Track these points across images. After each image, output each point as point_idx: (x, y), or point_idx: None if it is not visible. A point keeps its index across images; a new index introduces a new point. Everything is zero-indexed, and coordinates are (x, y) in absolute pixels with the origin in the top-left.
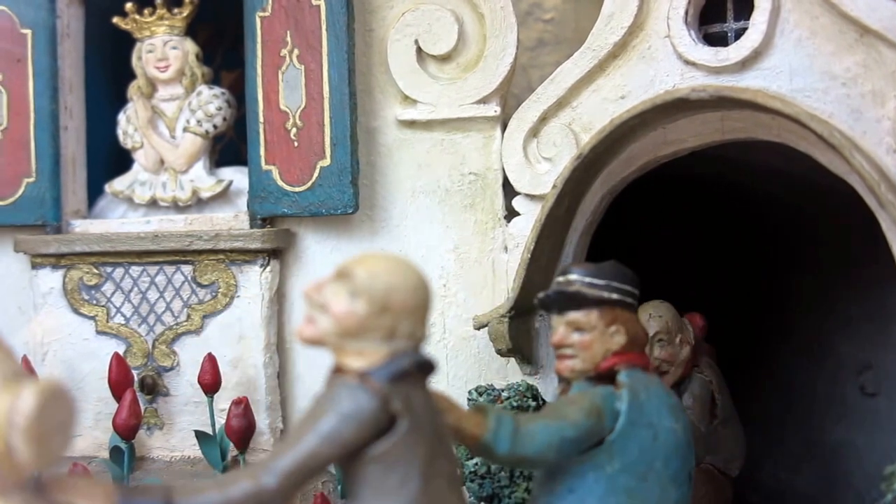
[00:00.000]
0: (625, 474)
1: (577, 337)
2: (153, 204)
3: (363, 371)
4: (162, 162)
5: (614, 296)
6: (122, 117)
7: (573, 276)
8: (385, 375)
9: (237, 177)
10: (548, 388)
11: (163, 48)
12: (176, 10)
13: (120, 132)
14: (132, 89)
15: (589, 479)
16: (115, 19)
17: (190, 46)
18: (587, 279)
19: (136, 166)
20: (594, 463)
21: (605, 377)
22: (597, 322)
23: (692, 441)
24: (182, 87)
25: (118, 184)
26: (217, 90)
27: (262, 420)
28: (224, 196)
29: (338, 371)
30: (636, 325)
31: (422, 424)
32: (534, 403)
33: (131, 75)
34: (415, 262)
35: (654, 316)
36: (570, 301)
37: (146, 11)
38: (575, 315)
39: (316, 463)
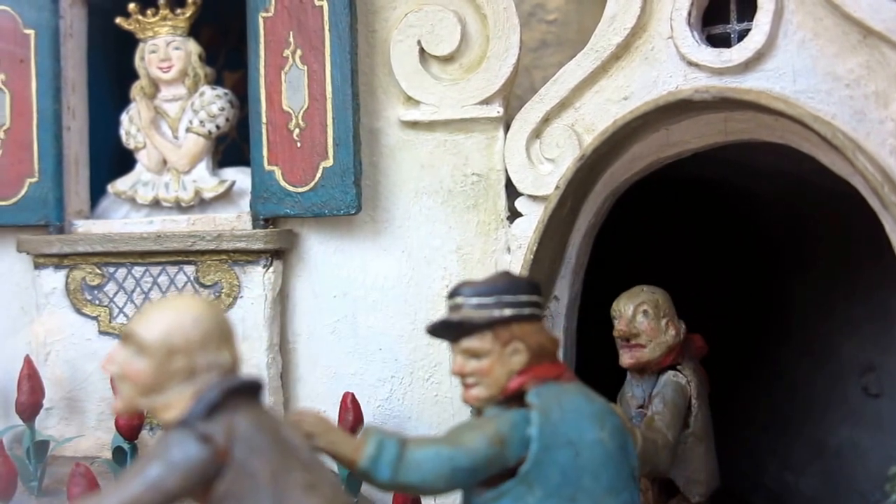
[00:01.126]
0: (550, 500)
1: (475, 364)
2: (156, 204)
3: (179, 420)
4: (165, 162)
5: (506, 312)
6: (124, 118)
7: (459, 299)
8: (198, 415)
9: (240, 177)
10: None
11: (165, 49)
12: (179, 11)
13: (122, 132)
14: (135, 90)
15: None
16: (118, 20)
17: (193, 47)
18: (473, 300)
19: (138, 167)
20: (513, 496)
21: (515, 398)
22: (492, 345)
23: (627, 441)
24: (185, 87)
25: (121, 184)
26: (220, 90)
27: None
28: (227, 196)
29: (164, 429)
30: (539, 335)
31: (255, 447)
32: None
33: (134, 76)
34: (194, 298)
35: (647, 290)
36: (460, 328)
37: (149, 12)
38: (468, 342)
39: None
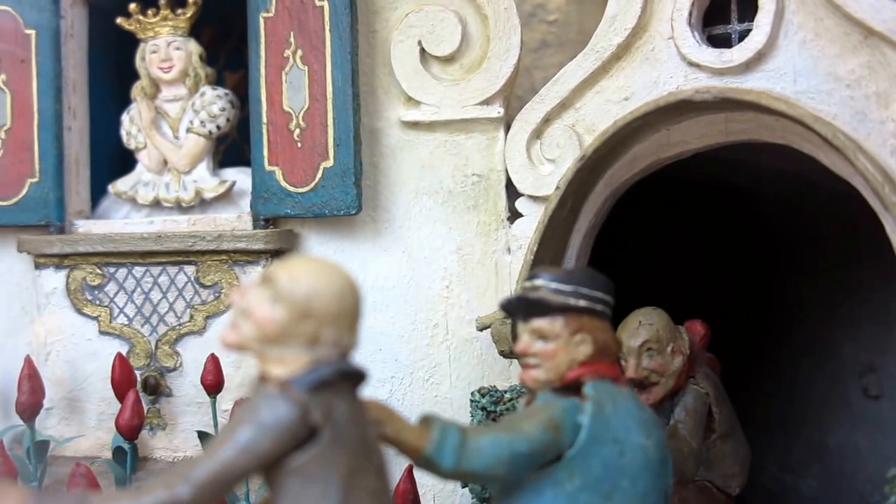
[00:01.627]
0: (586, 492)
1: (541, 345)
2: (156, 204)
3: (284, 380)
4: (165, 162)
5: (581, 302)
6: (125, 118)
7: (539, 282)
8: (305, 384)
9: (240, 178)
10: None
11: (166, 49)
12: (179, 11)
13: (123, 133)
14: (135, 90)
15: (547, 497)
16: (119, 20)
17: (193, 47)
18: (553, 285)
19: (139, 167)
20: (553, 480)
21: (572, 388)
22: (561, 330)
23: (667, 458)
24: (185, 87)
25: (121, 184)
26: (220, 91)
27: None
28: (227, 197)
29: (262, 379)
30: (606, 333)
31: (344, 437)
32: None
33: (135, 76)
34: (344, 269)
35: (644, 324)
36: (534, 307)
37: (150, 12)
38: (539, 322)
39: (232, 474)
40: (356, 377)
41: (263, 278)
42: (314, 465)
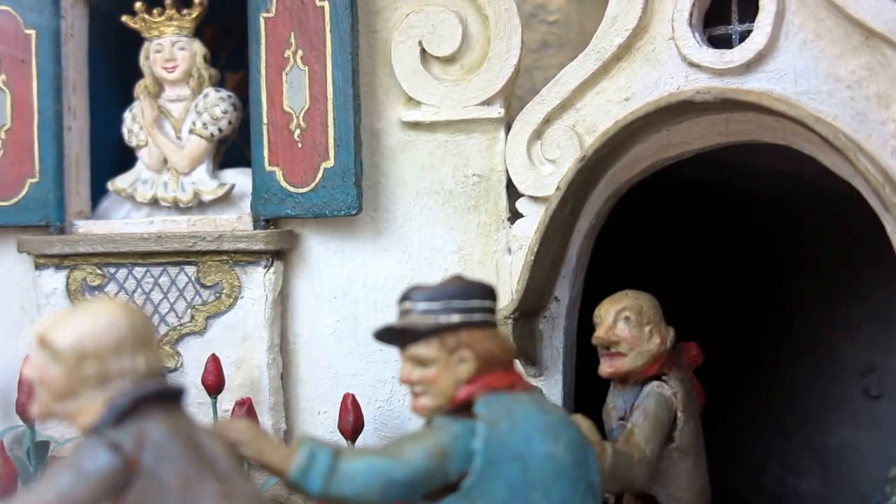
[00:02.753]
0: None
1: (421, 372)
2: (154, 203)
3: (91, 426)
4: (165, 161)
5: (454, 318)
6: (127, 115)
7: (408, 304)
8: (106, 423)
9: (240, 178)
10: (552, 389)
11: (171, 49)
12: (185, 11)
13: (125, 130)
14: (139, 88)
15: None
16: (124, 18)
17: (198, 48)
18: (421, 305)
19: (139, 164)
20: None
21: (464, 408)
22: (438, 353)
23: (585, 456)
24: (189, 88)
25: (121, 181)
26: (224, 93)
27: (265, 421)
28: (227, 197)
29: (81, 432)
30: (490, 342)
31: (167, 456)
32: None
33: (135, 76)
34: (110, 300)
35: (631, 295)
36: (405, 334)
37: (155, 11)
38: (414, 349)
39: None
40: (164, 396)
41: (39, 342)
42: (146, 494)
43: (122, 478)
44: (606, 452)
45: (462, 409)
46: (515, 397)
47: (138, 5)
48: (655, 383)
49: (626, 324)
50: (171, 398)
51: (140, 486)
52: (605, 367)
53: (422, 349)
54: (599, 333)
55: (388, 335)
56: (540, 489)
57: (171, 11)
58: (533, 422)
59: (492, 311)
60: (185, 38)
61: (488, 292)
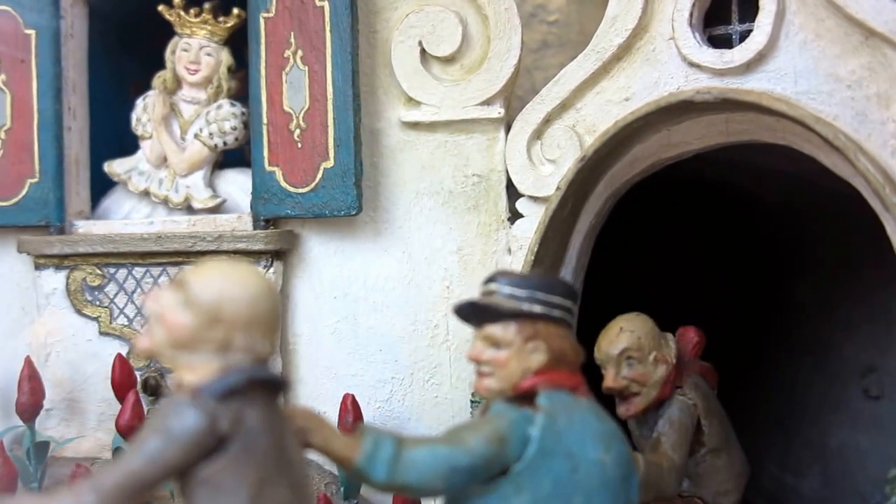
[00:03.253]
0: None
1: (493, 353)
2: (146, 195)
3: (194, 387)
4: (165, 159)
5: (536, 308)
6: (139, 102)
7: (493, 286)
8: (214, 392)
9: (240, 178)
10: None
11: (198, 51)
12: (221, 18)
13: (134, 117)
14: (157, 80)
15: None
16: (161, 7)
17: (225, 57)
18: (507, 289)
19: (139, 154)
20: (499, 495)
21: (526, 398)
22: (514, 337)
23: (631, 475)
24: (206, 94)
25: (118, 166)
26: (237, 109)
27: None
28: (218, 209)
29: (177, 386)
30: (563, 341)
31: (255, 446)
32: None
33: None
34: (260, 274)
35: (626, 330)
36: (485, 313)
37: (192, 11)
38: (491, 329)
39: (139, 483)
40: (271, 385)
41: (176, 283)
42: (222, 476)
43: (211, 443)
44: (638, 463)
45: (523, 398)
46: (576, 399)
47: (177, 0)
48: (677, 390)
49: (630, 367)
50: (274, 389)
51: (221, 465)
52: (623, 411)
53: (499, 330)
54: (609, 384)
55: (469, 311)
56: (583, 493)
57: (207, 15)
58: (590, 426)
59: (571, 311)
60: (215, 44)
61: (571, 293)
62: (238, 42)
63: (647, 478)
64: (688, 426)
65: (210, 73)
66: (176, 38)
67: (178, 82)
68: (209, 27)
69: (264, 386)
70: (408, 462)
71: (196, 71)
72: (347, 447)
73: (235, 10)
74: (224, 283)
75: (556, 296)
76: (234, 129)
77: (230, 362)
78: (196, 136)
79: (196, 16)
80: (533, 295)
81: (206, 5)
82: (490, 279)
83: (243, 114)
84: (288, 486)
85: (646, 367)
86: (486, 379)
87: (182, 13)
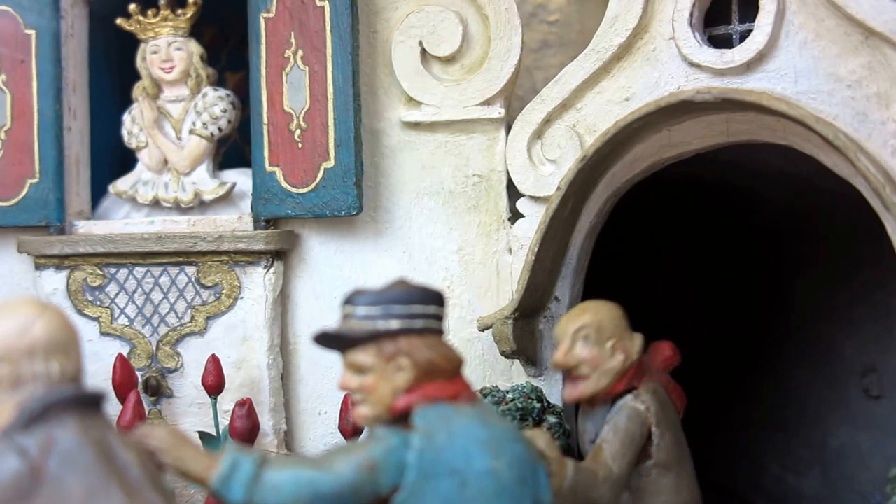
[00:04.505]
0: None
1: (359, 380)
2: (156, 204)
3: (4, 429)
4: (165, 162)
5: (392, 324)
6: (126, 117)
7: (348, 308)
8: (16, 426)
9: (241, 178)
10: (552, 389)
11: (167, 49)
12: (180, 12)
13: (125, 132)
14: (137, 90)
15: None
16: (119, 20)
17: (194, 48)
18: (361, 310)
19: (139, 166)
20: None
21: (405, 419)
22: (374, 360)
23: (532, 475)
24: (187, 88)
25: (122, 184)
26: (222, 92)
27: (265, 421)
28: (227, 198)
29: None
30: (432, 350)
31: (74, 464)
32: (538, 405)
33: (135, 76)
34: (30, 303)
35: (589, 310)
36: (342, 341)
37: (150, 12)
38: (353, 355)
39: None
40: (79, 401)
41: None
42: (49, 502)
43: (28, 484)
44: (566, 469)
45: (403, 419)
46: (457, 409)
47: (132, 7)
48: (628, 397)
49: (586, 343)
50: (87, 404)
51: (45, 493)
52: (568, 392)
53: (359, 356)
54: (557, 357)
55: (327, 340)
56: None
57: (165, 12)
58: (474, 435)
59: (437, 317)
60: (181, 38)
61: (433, 298)
62: (238, 43)
63: (575, 485)
64: (634, 436)
65: (185, 67)
66: (142, 46)
67: (157, 87)
68: (171, 23)
69: (70, 405)
70: (267, 484)
71: (171, 68)
72: (204, 468)
73: (191, 0)
74: None
75: (416, 304)
76: (225, 111)
77: (24, 395)
78: (191, 131)
79: (154, 16)
80: (388, 310)
81: (162, 2)
82: (346, 301)
83: (229, 95)
84: (124, 489)
85: (601, 351)
86: (359, 407)
87: (141, 18)
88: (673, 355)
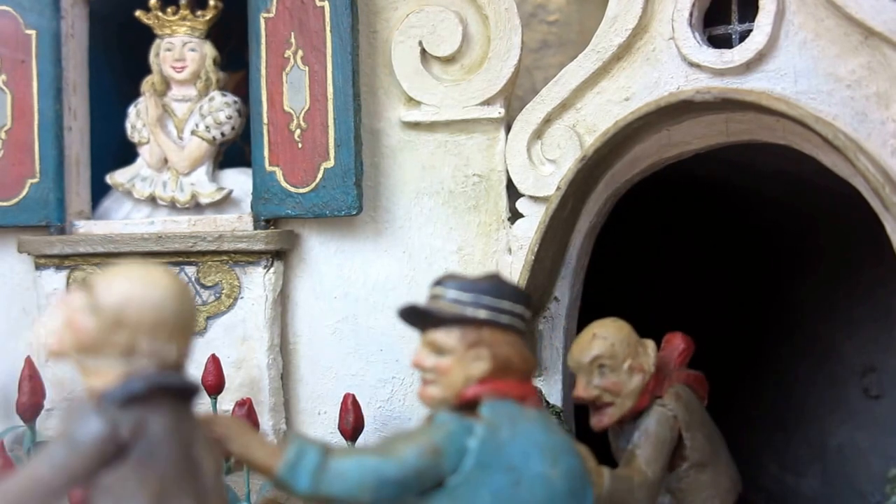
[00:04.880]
0: None
1: (435, 360)
2: (152, 201)
3: (98, 393)
4: (166, 160)
5: (480, 313)
6: (132, 110)
7: (439, 289)
8: (114, 399)
9: (241, 178)
10: (552, 389)
11: (181, 48)
12: (199, 13)
13: (128, 125)
14: (146, 84)
15: None
16: (138, 13)
17: (208, 50)
18: (451, 293)
19: (139, 161)
20: None
21: (470, 408)
22: (456, 344)
23: (583, 489)
24: (196, 89)
25: (120, 175)
26: (229, 98)
27: (265, 422)
28: (225, 201)
29: (87, 391)
30: (511, 348)
31: (157, 455)
32: None
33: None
34: (172, 277)
35: (598, 336)
36: (427, 318)
37: (169, 10)
38: (434, 334)
39: (45, 490)
40: (179, 391)
41: (86, 286)
42: (122, 485)
43: (112, 451)
44: (603, 478)
45: (467, 407)
46: (524, 410)
47: (153, 2)
48: (657, 401)
49: (602, 375)
50: (185, 395)
51: (121, 474)
52: (597, 423)
53: (440, 336)
54: (578, 393)
55: (411, 315)
56: None
57: (184, 11)
58: (535, 438)
59: (522, 317)
60: (197, 39)
61: (522, 298)
62: (238, 42)
63: (612, 492)
64: (665, 439)
65: (196, 68)
66: (158, 41)
67: (166, 84)
68: (189, 23)
69: (171, 393)
70: (333, 472)
71: (182, 68)
72: (270, 455)
73: (212, 2)
74: (128, 287)
75: (506, 301)
76: (230, 118)
77: (134, 368)
78: (193, 132)
79: (174, 14)
80: (478, 300)
81: (183, 1)
82: (437, 282)
83: (236, 102)
84: (193, 496)
85: (619, 376)
86: (429, 386)
87: (160, 14)
88: (687, 347)
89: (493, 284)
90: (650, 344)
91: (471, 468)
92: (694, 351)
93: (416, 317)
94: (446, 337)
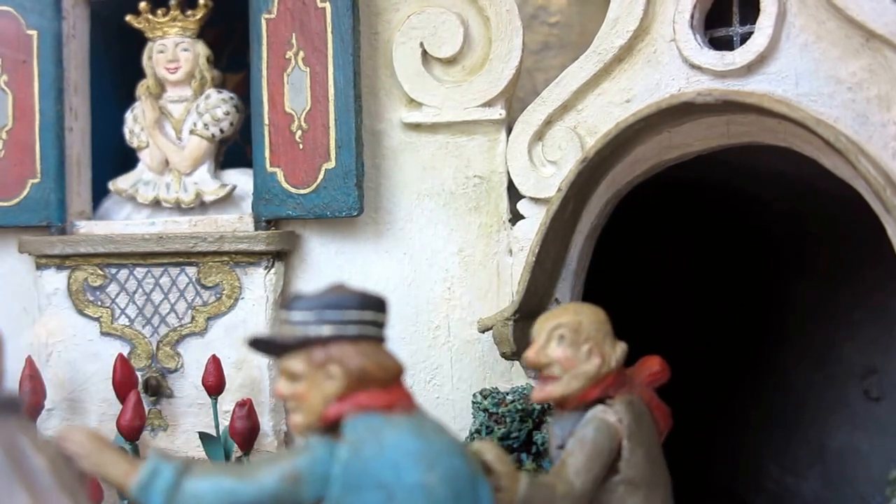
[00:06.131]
0: None
1: (292, 387)
2: (156, 204)
3: None
4: (167, 162)
5: (324, 330)
6: (129, 116)
7: (284, 314)
8: None
9: (242, 179)
10: None
11: (174, 49)
12: (189, 12)
13: (126, 131)
14: (141, 88)
15: None
16: (128, 17)
17: (201, 49)
18: (296, 315)
19: (140, 165)
20: None
21: (337, 428)
22: (305, 367)
23: (471, 489)
24: (191, 89)
25: (122, 182)
26: (225, 94)
27: (265, 422)
28: (229, 198)
29: None
30: (364, 358)
31: None
32: (537, 407)
33: (137, 76)
34: None
35: (570, 310)
36: (274, 346)
37: (159, 12)
38: (286, 362)
39: None
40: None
41: None
42: None
43: None
44: (518, 484)
45: (336, 428)
46: (390, 419)
47: (143, 5)
48: (599, 408)
49: (560, 343)
50: (2, 409)
51: None
52: (536, 392)
53: (291, 363)
54: (528, 355)
55: (260, 346)
56: None
57: (175, 12)
58: (406, 447)
59: (375, 324)
60: (189, 39)
61: (371, 304)
62: (240, 44)
63: (529, 499)
64: (602, 449)
65: (191, 68)
66: (149, 44)
67: (161, 86)
68: (180, 24)
69: None
70: (188, 493)
71: (176, 69)
72: (124, 474)
73: (202, 1)
74: None
75: (351, 310)
76: (227, 114)
77: None
78: (192, 131)
79: (164, 15)
80: (321, 316)
81: (172, 2)
82: (284, 306)
83: (232, 98)
84: (29, 495)
85: (576, 352)
86: (293, 415)
87: (150, 17)
88: (661, 371)
89: (336, 297)
90: (621, 345)
91: (338, 495)
92: (666, 380)
93: (265, 346)
94: (295, 362)
